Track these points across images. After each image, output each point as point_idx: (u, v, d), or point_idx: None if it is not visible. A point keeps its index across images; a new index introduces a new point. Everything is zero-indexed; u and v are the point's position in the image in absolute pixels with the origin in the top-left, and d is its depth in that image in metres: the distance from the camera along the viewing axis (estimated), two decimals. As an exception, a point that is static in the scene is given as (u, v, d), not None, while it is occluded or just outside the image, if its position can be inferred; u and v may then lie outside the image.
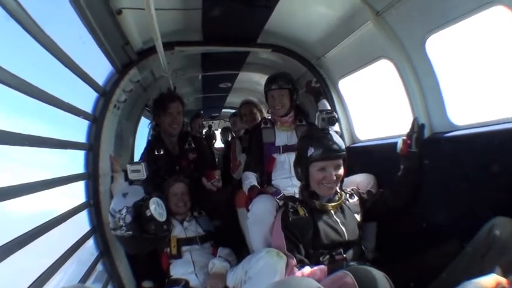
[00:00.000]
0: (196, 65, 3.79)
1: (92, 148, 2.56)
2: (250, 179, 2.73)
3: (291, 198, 2.20)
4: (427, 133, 2.12)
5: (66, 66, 1.90)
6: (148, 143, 3.20)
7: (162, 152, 2.95)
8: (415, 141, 2.05)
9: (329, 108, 3.06)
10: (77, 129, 2.50)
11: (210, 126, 6.87)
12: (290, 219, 2.00)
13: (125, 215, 2.15)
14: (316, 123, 2.21)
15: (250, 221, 2.38)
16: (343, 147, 2.05)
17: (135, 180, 2.40)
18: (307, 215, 2.01)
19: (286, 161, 2.77)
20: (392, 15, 2.17)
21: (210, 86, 5.00)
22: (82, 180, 2.47)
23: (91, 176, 2.53)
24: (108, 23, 2.10)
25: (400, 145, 2.08)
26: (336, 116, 2.28)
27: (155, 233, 2.23)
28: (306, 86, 3.35)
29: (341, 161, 2.03)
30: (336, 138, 2.05)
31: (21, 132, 1.57)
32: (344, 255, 1.93)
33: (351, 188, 2.25)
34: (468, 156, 1.79)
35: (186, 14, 2.54)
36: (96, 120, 2.58)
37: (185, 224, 2.66)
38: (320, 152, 1.98)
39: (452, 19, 1.81)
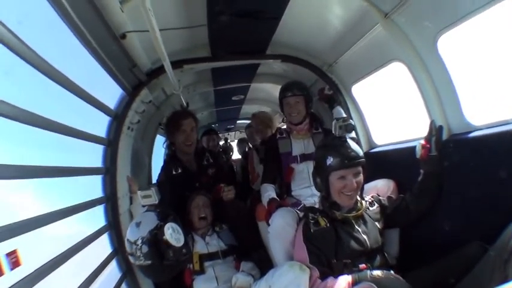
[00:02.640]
0: (207, 80, 3.82)
1: (108, 172, 2.63)
2: (269, 192, 2.71)
3: (311, 209, 2.18)
4: (445, 135, 2.06)
5: (75, 94, 1.96)
6: (165, 162, 3.22)
7: (180, 171, 2.96)
8: (435, 145, 2.00)
9: (344, 115, 3.04)
10: (93, 154, 2.58)
11: (226, 139, 6.89)
12: (312, 230, 2.00)
13: (141, 246, 2.13)
14: (333, 131, 2.20)
15: (271, 236, 2.36)
16: (361, 154, 2.04)
17: (148, 205, 2.40)
18: (328, 225, 2.00)
19: (304, 171, 2.76)
20: (401, 16, 2.14)
21: (222, 99, 5.04)
22: (101, 204, 2.53)
23: (110, 199, 2.60)
24: (113, 48, 2.14)
25: (419, 150, 2.02)
26: (353, 123, 2.26)
27: (175, 259, 2.20)
28: (319, 93, 3.33)
29: (360, 168, 2.02)
30: (354, 146, 2.04)
31: (37, 165, 1.65)
32: (368, 264, 1.90)
33: (371, 195, 2.22)
34: (488, 157, 1.74)
35: (192, 32, 2.57)
36: (110, 143, 2.64)
37: (207, 238, 2.67)
38: (339, 161, 1.97)
39: (464, 15, 1.75)
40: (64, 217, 1.85)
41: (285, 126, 3.10)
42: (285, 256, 2.22)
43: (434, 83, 2.10)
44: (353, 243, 1.94)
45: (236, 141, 6.87)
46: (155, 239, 2.15)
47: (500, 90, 1.86)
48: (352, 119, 3.09)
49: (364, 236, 1.97)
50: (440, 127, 2.03)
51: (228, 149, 6.22)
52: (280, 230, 2.28)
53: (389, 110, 3.02)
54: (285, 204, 2.57)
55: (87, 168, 2.41)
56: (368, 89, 3.02)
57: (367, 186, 2.24)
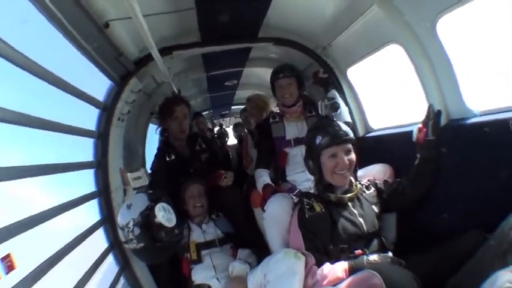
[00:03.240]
0: (198, 66, 3.79)
1: (100, 165, 2.61)
2: (264, 177, 2.72)
3: (306, 194, 2.19)
4: (443, 120, 2.04)
5: (61, 88, 1.94)
6: (158, 149, 3.22)
7: (173, 157, 2.97)
8: (432, 129, 1.97)
9: (339, 98, 3.03)
10: (83, 148, 2.57)
11: (221, 125, 6.89)
12: (306, 216, 2.01)
13: (133, 228, 2.15)
14: (319, 112, 2.28)
15: (267, 223, 2.38)
16: (351, 133, 2.08)
17: (139, 187, 2.42)
18: (323, 210, 2.00)
19: (298, 155, 2.73)
20: None
21: (215, 85, 5.02)
22: (94, 198, 2.53)
23: (103, 193, 2.59)
24: (97, 38, 2.10)
25: (415, 134, 2.03)
26: (338, 102, 2.35)
27: (167, 240, 2.23)
28: (313, 76, 3.33)
29: (350, 146, 2.05)
30: (342, 125, 2.08)
31: (27, 164, 1.64)
32: (365, 249, 1.92)
33: (367, 179, 2.24)
34: (487, 144, 1.74)
35: (180, 16, 2.51)
36: (101, 136, 2.62)
37: (203, 226, 2.69)
38: (328, 139, 2.01)
39: None
40: (57, 214, 1.85)
41: (277, 110, 3.09)
42: (281, 243, 2.25)
43: (433, 66, 2.08)
44: (349, 227, 1.95)
45: (231, 126, 6.87)
46: (147, 221, 2.17)
47: (501, 77, 1.87)
48: (347, 102, 3.10)
49: (361, 219, 1.98)
50: (439, 111, 2.01)
51: (223, 135, 6.22)
52: (275, 217, 2.30)
53: (386, 94, 3.02)
54: (280, 190, 2.58)
55: (78, 163, 2.38)
56: (364, 72, 3.00)
57: (363, 171, 2.31)
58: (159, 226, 2.17)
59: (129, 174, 2.44)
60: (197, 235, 2.64)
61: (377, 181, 2.23)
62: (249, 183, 3.28)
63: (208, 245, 2.61)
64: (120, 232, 2.22)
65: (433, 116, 1.99)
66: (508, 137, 1.62)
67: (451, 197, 1.97)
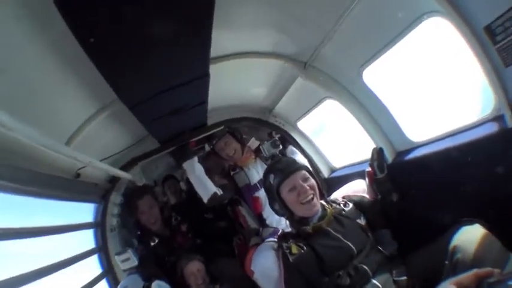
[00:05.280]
0: (166, 156, 3.97)
1: (108, 273, 3.00)
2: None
3: (284, 237, 2.16)
4: (392, 154, 2.35)
5: (55, 233, 2.36)
6: (140, 237, 3.32)
7: (156, 241, 3.07)
8: (378, 168, 2.21)
9: (297, 152, 3.38)
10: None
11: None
12: (291, 260, 1.96)
13: None
14: (264, 154, 2.63)
15: (260, 283, 2.45)
16: (301, 162, 2.24)
17: (129, 268, 2.56)
18: (305, 248, 1.97)
19: None
20: (321, 61, 2.36)
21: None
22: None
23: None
24: (72, 185, 2.44)
25: (366, 178, 2.28)
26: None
27: None
28: (269, 136, 3.51)
29: (305, 173, 2.11)
30: (289, 158, 2.34)
31: None
32: (364, 267, 1.89)
33: (342, 196, 2.30)
34: (431, 169, 2.01)
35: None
36: (101, 249, 3.05)
37: None
38: (280, 173, 2.08)
39: (385, 46, 1.91)
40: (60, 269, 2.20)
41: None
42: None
43: (368, 111, 2.36)
44: (336, 253, 1.93)
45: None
46: None
47: (434, 106, 2.11)
48: (304, 150, 3.48)
49: (346, 241, 1.95)
50: (381, 150, 2.28)
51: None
52: (264, 275, 2.35)
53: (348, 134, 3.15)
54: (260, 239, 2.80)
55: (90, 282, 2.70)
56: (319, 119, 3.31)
57: (340, 191, 2.43)
58: None
59: (117, 257, 2.56)
60: None
61: (351, 194, 2.29)
62: (238, 246, 3.34)
63: None
64: None
65: (376, 156, 2.24)
66: (444, 159, 1.92)
67: (420, 212, 2.15)
